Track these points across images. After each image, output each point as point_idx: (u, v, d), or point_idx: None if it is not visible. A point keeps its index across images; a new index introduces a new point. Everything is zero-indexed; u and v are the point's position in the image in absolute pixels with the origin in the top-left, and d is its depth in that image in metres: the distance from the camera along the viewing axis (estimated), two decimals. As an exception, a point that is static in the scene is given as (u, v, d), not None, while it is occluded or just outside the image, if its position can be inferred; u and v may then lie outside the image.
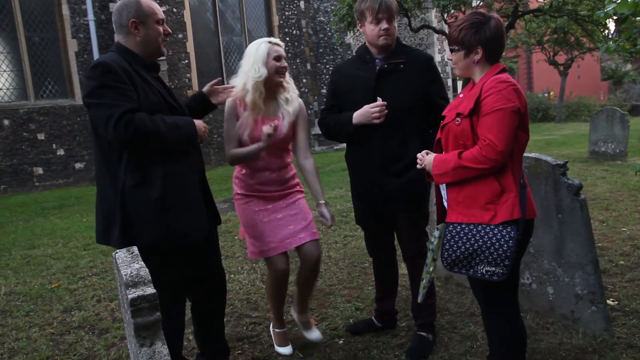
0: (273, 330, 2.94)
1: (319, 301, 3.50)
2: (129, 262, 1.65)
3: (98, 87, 2.07)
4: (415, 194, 2.65)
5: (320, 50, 15.09)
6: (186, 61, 12.44)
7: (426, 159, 2.12)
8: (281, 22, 14.22)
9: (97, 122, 2.08)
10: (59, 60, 11.06)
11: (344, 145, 2.88)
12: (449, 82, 19.41)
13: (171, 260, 2.24)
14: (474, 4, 11.61)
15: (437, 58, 17.78)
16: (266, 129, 2.52)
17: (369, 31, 2.59)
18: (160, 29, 2.27)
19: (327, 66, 14.87)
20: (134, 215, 2.13)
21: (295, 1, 14.50)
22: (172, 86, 11.67)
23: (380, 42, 2.58)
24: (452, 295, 3.46)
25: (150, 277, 1.56)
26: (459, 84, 20.28)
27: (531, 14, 12.57)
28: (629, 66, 29.58)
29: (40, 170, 10.70)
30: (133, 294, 1.48)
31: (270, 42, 2.62)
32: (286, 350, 2.84)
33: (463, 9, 10.71)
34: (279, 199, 2.72)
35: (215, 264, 2.56)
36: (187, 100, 2.63)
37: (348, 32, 12.30)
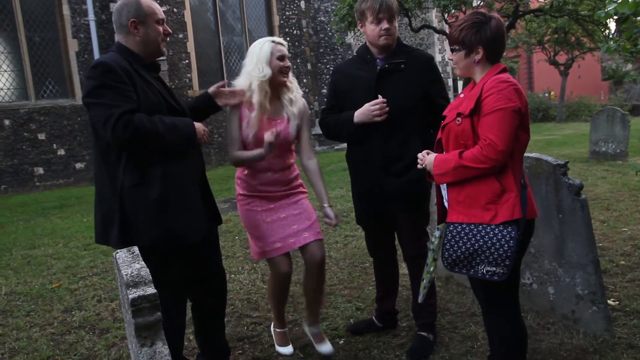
0: (274, 330, 2.94)
1: (320, 301, 3.50)
2: (129, 262, 1.66)
3: (98, 86, 2.07)
4: (416, 194, 2.65)
5: (321, 50, 15.09)
6: (187, 61, 12.44)
7: (427, 158, 2.12)
8: (282, 22, 14.22)
9: (96, 122, 2.08)
10: (59, 60, 11.07)
11: (345, 145, 2.88)
12: (450, 82, 19.41)
13: (171, 260, 2.24)
14: (474, 4, 11.60)
15: (438, 58, 17.78)
16: (267, 137, 2.47)
17: (370, 31, 2.59)
18: (160, 28, 2.27)
19: (328, 66, 14.86)
20: (133, 215, 2.13)
21: (296, 1, 14.49)
22: (173, 86, 11.68)
23: (381, 42, 2.58)
24: (452, 295, 3.46)
25: (150, 277, 1.56)
26: (460, 84, 20.30)
27: (532, 14, 12.55)
28: (629, 66, 29.57)
29: (40, 170, 10.71)
30: (134, 294, 1.48)
31: (273, 42, 2.59)
32: (287, 350, 2.83)
33: (464, 8, 10.71)
34: (281, 199, 2.70)
35: (215, 264, 2.55)
36: (192, 101, 2.62)
37: (349, 32, 12.29)
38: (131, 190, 2.12)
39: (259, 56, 2.55)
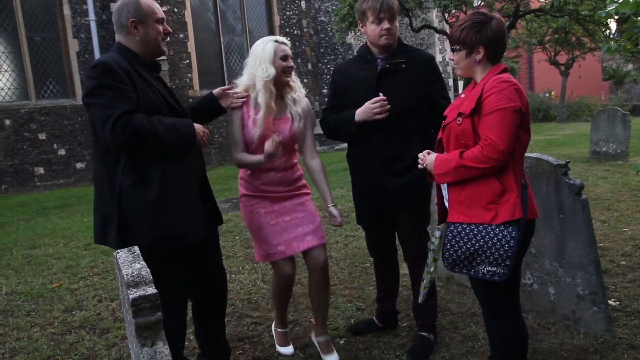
0: (275, 330, 2.93)
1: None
2: (130, 262, 1.65)
3: (97, 86, 2.06)
4: (417, 194, 2.65)
5: (322, 50, 15.09)
6: (187, 61, 12.44)
7: (427, 158, 2.12)
8: (282, 22, 14.22)
9: (95, 123, 2.08)
10: (60, 60, 11.08)
11: (345, 145, 2.88)
12: (450, 82, 19.41)
13: (172, 260, 2.24)
14: (475, 4, 11.60)
15: (438, 58, 17.79)
16: (267, 147, 2.45)
17: (371, 31, 2.59)
18: (160, 28, 2.27)
19: (328, 66, 14.87)
20: (131, 216, 2.12)
21: (297, 1, 14.50)
22: (173, 86, 11.68)
23: (381, 42, 2.57)
24: (453, 296, 3.46)
25: (151, 277, 1.56)
26: (460, 84, 20.30)
27: (532, 14, 12.56)
28: (630, 66, 29.56)
29: (41, 170, 10.71)
30: (134, 294, 1.48)
31: (277, 41, 2.56)
32: (287, 350, 2.83)
33: (464, 8, 10.71)
34: (285, 200, 2.67)
35: (215, 264, 2.55)
36: (195, 102, 2.61)
37: (349, 32, 12.30)
38: (130, 191, 2.11)
39: (262, 56, 2.53)
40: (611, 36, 14.08)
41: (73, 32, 10.99)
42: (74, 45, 11.01)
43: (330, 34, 14.45)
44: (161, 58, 2.40)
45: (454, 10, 11.10)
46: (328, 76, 14.35)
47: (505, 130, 1.87)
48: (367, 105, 2.54)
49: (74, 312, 3.59)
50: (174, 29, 11.85)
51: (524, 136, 1.98)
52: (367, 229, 2.97)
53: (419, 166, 2.17)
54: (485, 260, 1.93)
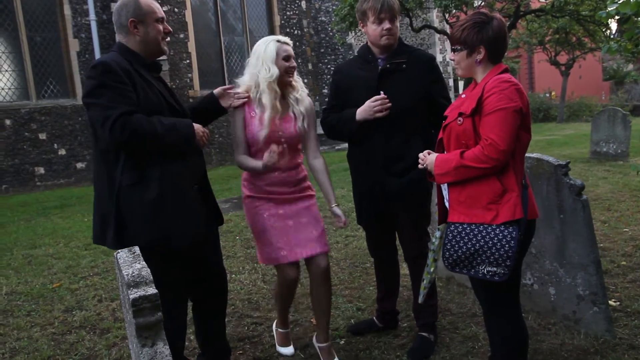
0: (276, 330, 2.93)
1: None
2: (130, 262, 1.65)
3: (97, 86, 2.06)
4: (417, 194, 2.65)
5: (322, 50, 15.09)
6: (187, 61, 12.45)
7: (428, 158, 2.12)
8: (282, 22, 14.22)
9: (95, 122, 2.07)
10: (60, 60, 11.08)
11: (346, 145, 2.88)
12: (450, 82, 19.41)
13: (172, 260, 2.24)
14: (475, 4, 11.60)
15: (439, 58, 17.79)
16: (266, 157, 2.44)
17: (371, 31, 2.59)
18: (160, 27, 2.26)
19: (329, 66, 14.87)
20: (129, 216, 2.12)
21: (297, 1, 14.50)
22: (174, 86, 11.68)
23: (382, 42, 2.57)
24: (453, 296, 3.46)
25: (151, 277, 1.56)
26: (460, 84, 20.30)
27: (533, 14, 12.57)
28: (630, 66, 29.57)
29: (41, 170, 10.72)
30: (135, 294, 1.48)
31: (279, 42, 2.54)
32: (288, 350, 2.83)
33: (465, 9, 10.71)
34: (289, 203, 2.64)
35: (215, 264, 2.55)
36: (196, 102, 2.60)
37: (350, 32, 12.31)
38: (128, 191, 2.11)
39: (264, 56, 2.51)
40: (612, 36, 14.08)
41: (73, 32, 11.00)
42: (74, 45, 11.02)
43: (331, 34, 14.45)
44: (161, 58, 2.40)
45: (454, 11, 11.11)
46: (328, 76, 14.36)
47: (506, 130, 1.87)
48: (368, 103, 2.54)
49: (74, 312, 3.59)
50: (174, 29, 11.86)
51: (524, 136, 1.98)
52: (367, 229, 2.97)
53: (420, 166, 2.17)
54: (485, 261, 1.93)
